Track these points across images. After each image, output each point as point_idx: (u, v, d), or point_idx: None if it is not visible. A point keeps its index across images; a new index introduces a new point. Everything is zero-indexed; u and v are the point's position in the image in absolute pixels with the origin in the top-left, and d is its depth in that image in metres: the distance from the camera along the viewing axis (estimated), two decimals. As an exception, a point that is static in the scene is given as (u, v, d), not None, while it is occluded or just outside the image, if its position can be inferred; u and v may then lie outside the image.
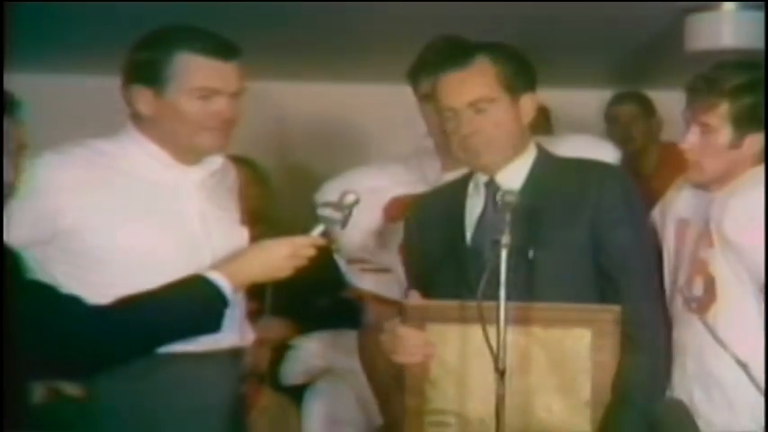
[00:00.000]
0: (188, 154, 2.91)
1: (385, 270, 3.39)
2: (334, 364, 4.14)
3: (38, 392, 2.90)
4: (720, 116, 2.89)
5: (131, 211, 2.84)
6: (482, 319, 2.60)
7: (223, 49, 2.85)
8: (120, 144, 2.92)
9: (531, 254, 2.74)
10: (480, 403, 2.79)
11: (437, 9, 4.10)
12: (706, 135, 2.91)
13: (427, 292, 2.91)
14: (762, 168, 2.91)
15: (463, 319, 2.79)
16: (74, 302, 2.71)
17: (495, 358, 2.59)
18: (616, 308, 2.78)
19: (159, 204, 2.88)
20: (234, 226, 3.00)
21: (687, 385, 2.92)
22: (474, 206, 2.95)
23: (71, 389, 2.91)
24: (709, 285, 2.89)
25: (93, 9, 4.09)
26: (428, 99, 3.24)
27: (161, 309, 2.75)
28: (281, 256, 2.84)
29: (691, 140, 2.94)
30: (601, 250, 2.84)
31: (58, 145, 2.87)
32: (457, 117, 2.88)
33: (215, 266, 2.81)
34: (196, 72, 2.83)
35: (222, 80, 2.85)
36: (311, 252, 2.87)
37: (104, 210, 2.82)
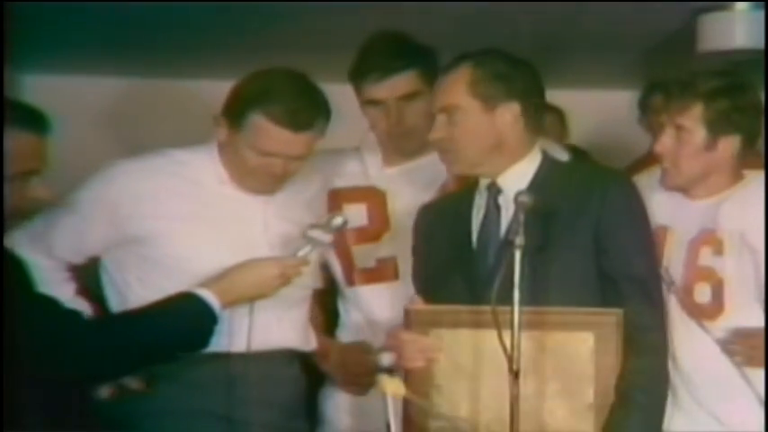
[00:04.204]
0: (241, 186, 3.00)
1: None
2: None
3: (104, 391, 2.99)
4: (695, 118, 2.92)
5: (199, 221, 2.96)
6: (496, 322, 2.61)
7: (296, 121, 2.90)
8: (197, 155, 3.03)
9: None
10: (486, 407, 2.79)
11: (452, 9, 4.10)
12: (681, 137, 2.94)
13: (436, 297, 2.92)
14: (761, 173, 2.93)
15: (467, 323, 2.80)
16: (73, 316, 2.76)
17: (510, 360, 2.60)
18: (618, 311, 2.77)
19: (226, 216, 2.98)
20: (299, 239, 3.03)
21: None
22: (478, 210, 2.96)
23: (134, 384, 2.97)
24: (719, 292, 2.91)
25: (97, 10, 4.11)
26: (372, 104, 3.27)
27: (152, 324, 2.82)
28: (271, 276, 2.91)
29: (665, 142, 2.95)
30: (603, 253, 2.84)
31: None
32: (434, 122, 2.92)
33: (205, 283, 2.85)
34: (262, 134, 2.91)
35: (286, 147, 2.93)
36: (299, 272, 2.94)
37: (177, 218, 2.94)
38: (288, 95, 2.91)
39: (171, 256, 2.93)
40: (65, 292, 3.00)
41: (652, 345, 2.81)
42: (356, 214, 3.32)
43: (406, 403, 2.79)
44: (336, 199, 3.34)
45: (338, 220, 2.99)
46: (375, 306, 3.29)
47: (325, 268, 3.39)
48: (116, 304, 3.02)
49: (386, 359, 2.76)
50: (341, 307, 3.44)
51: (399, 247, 3.23)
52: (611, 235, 2.84)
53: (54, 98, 3.60)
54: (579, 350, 2.77)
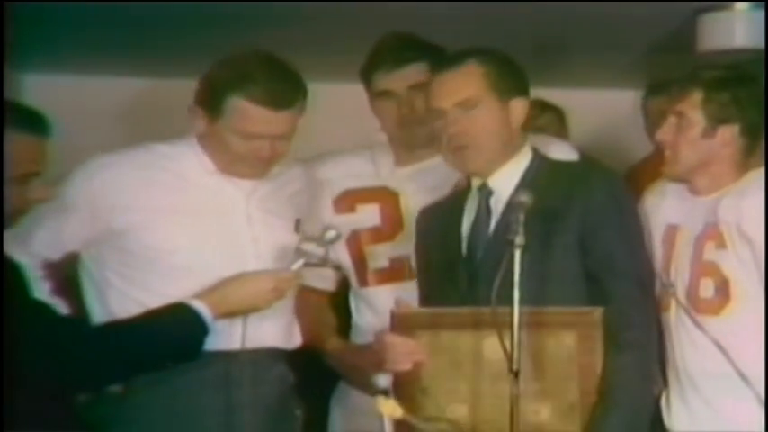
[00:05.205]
0: (230, 173, 2.99)
1: (324, 263, 3.35)
2: None
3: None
4: (694, 105, 2.95)
5: (181, 213, 2.95)
6: (496, 323, 2.61)
7: (277, 100, 2.91)
8: (178, 148, 3.03)
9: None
10: (473, 408, 2.80)
11: (452, 8, 4.10)
12: (680, 124, 2.97)
13: (431, 299, 2.93)
14: (762, 169, 2.94)
15: (453, 326, 2.80)
16: (68, 323, 2.77)
17: (510, 359, 2.60)
18: (599, 309, 2.77)
19: (208, 208, 2.98)
20: (284, 233, 3.04)
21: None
22: (470, 212, 2.96)
23: (113, 386, 2.95)
24: (723, 286, 2.91)
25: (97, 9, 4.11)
26: (383, 95, 3.29)
27: (144, 334, 2.83)
28: (265, 289, 2.91)
29: (666, 130, 2.97)
30: (587, 251, 2.84)
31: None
32: (445, 117, 2.91)
33: (199, 295, 2.85)
34: (244, 117, 2.90)
35: (268, 127, 2.92)
36: (292, 285, 2.94)
37: (157, 211, 2.93)
38: (265, 76, 2.91)
39: (152, 248, 2.92)
40: (40, 290, 2.96)
41: (633, 343, 2.79)
42: (369, 215, 3.35)
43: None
44: (349, 199, 3.36)
45: (331, 234, 2.99)
46: (389, 306, 3.30)
47: (338, 270, 3.39)
48: (95, 302, 3.00)
49: (382, 380, 2.74)
50: (353, 308, 3.45)
51: (413, 246, 3.24)
52: (594, 234, 2.84)
53: (54, 98, 3.61)
54: (561, 349, 2.77)
